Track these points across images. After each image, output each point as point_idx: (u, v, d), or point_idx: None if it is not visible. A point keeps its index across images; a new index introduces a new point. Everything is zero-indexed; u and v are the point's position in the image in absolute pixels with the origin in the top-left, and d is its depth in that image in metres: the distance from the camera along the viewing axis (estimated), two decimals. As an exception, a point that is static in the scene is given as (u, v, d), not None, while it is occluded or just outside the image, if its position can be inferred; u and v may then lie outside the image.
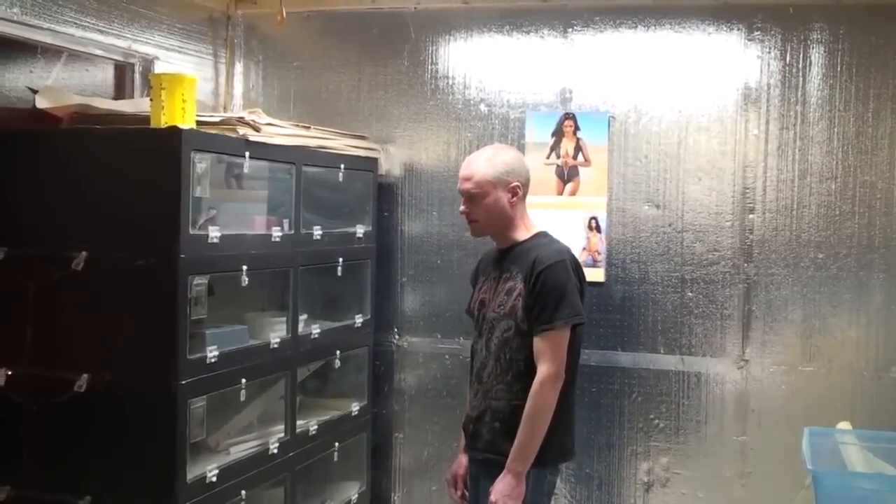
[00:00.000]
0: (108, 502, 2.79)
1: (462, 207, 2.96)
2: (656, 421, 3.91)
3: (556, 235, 3.93)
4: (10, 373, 2.85)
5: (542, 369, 2.76)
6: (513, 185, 2.90)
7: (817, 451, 2.74)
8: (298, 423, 3.51)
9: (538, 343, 2.79)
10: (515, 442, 2.77)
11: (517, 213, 2.94)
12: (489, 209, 2.90)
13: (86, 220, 2.85)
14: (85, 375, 2.79)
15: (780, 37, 3.75)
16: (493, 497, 2.76)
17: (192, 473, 2.86)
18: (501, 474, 2.78)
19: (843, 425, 3.31)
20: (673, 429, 3.90)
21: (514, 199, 2.91)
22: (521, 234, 2.95)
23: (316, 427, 3.61)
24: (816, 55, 3.72)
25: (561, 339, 2.79)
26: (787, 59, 3.75)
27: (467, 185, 2.91)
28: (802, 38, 3.73)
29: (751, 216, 3.80)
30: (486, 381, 2.91)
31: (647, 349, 3.91)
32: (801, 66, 3.73)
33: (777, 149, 3.77)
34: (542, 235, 2.97)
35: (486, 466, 2.89)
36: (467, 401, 3.08)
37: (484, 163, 2.91)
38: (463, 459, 3.08)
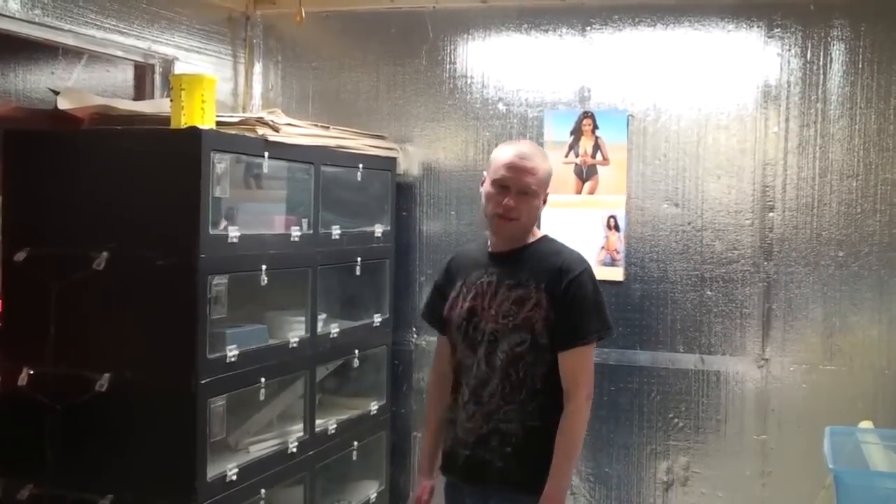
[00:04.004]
0: (130, 501, 2.81)
1: (509, 201, 2.59)
2: (675, 420, 3.90)
3: (575, 235, 3.94)
4: (31, 372, 2.87)
5: (581, 389, 2.54)
6: (548, 192, 2.71)
7: (839, 451, 2.72)
8: (317, 422, 3.52)
9: (571, 359, 2.56)
10: (555, 471, 2.51)
11: None
12: (534, 210, 2.65)
13: (106, 221, 2.87)
14: (106, 375, 2.81)
15: (800, 34, 3.73)
16: None
17: (212, 472, 2.88)
18: None
19: (865, 424, 3.29)
20: (692, 428, 3.88)
21: (544, 205, 2.71)
22: (527, 238, 2.70)
23: (335, 426, 3.62)
24: (837, 52, 3.69)
25: (592, 353, 2.62)
26: (808, 56, 3.72)
27: (529, 180, 2.59)
28: (823, 34, 3.71)
29: (771, 214, 3.78)
30: (488, 402, 2.60)
31: (666, 348, 3.90)
32: (821, 62, 3.71)
33: (797, 146, 3.75)
34: (548, 239, 2.74)
35: (499, 497, 2.61)
36: (433, 422, 2.84)
37: (544, 160, 2.68)
38: (429, 484, 2.83)
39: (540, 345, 2.56)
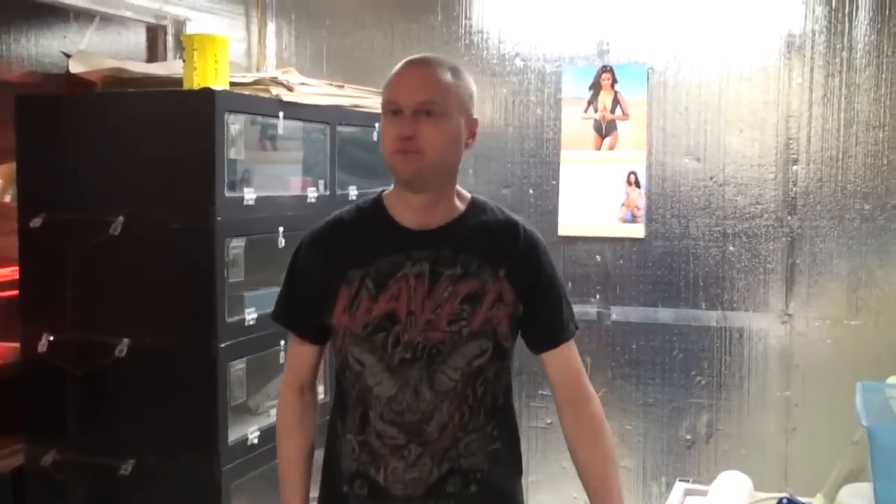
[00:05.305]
0: (152, 465, 2.82)
1: (403, 128, 1.82)
2: (698, 377, 3.87)
3: (595, 191, 3.90)
4: (51, 338, 2.86)
5: (588, 384, 2.00)
6: (475, 118, 1.94)
7: (868, 406, 2.68)
8: (338, 383, 3.51)
9: (571, 356, 1.99)
10: (614, 496, 1.95)
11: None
12: (447, 139, 1.85)
13: (122, 185, 2.84)
14: (125, 340, 2.80)
15: (824, -19, 3.64)
16: None
17: (233, 435, 2.88)
18: None
19: (894, 380, 3.24)
20: (715, 385, 3.85)
21: (471, 141, 1.94)
22: (458, 203, 1.97)
23: (356, 387, 3.61)
24: (863, -1, 3.60)
25: None
26: (833, 3, 3.62)
27: (422, 97, 1.82)
28: (848, -19, 3.62)
29: (794, 167, 3.71)
30: (438, 438, 1.88)
31: (688, 305, 3.86)
32: (847, 10, 3.60)
33: (822, 97, 3.66)
34: (482, 203, 2.02)
35: None
36: (299, 464, 2.09)
37: (450, 71, 1.89)
38: None
39: (503, 351, 1.91)
